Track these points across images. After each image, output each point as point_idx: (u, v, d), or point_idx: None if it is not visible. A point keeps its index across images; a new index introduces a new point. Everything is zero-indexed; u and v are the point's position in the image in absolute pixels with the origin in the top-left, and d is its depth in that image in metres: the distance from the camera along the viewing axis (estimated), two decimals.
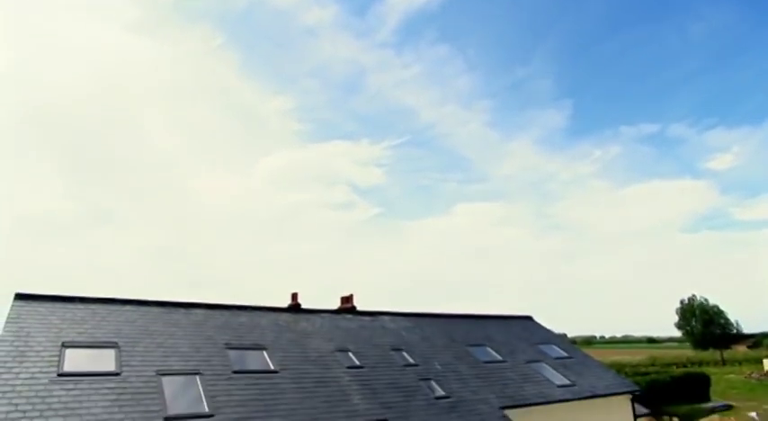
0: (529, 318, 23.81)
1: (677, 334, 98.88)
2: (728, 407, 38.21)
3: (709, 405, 37.60)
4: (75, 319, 13.06)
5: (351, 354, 15.19)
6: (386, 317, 18.99)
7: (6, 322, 12.39)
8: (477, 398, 14.69)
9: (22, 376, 10.56)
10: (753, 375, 60.19)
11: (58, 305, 13.52)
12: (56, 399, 10.16)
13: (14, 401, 9.82)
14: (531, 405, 15.39)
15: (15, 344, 11.54)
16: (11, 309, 12.93)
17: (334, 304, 19.14)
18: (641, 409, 19.76)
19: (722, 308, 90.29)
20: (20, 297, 13.44)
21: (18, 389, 10.20)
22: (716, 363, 79.75)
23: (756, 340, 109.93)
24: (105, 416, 10.02)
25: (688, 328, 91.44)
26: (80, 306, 13.75)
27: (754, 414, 33.75)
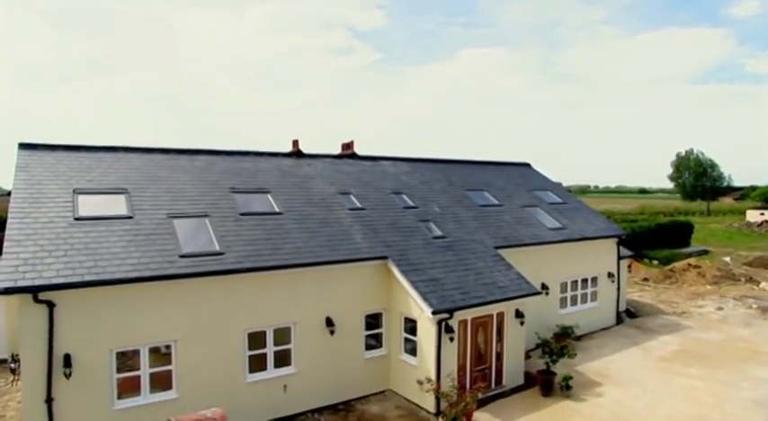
0: (527, 166, 24.26)
1: (669, 186, 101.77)
2: (705, 252, 40.83)
3: (688, 250, 40.13)
4: (83, 167, 13.33)
5: (352, 197, 15.75)
6: (386, 162, 19.30)
7: (16, 171, 12.66)
8: (473, 239, 15.61)
9: (41, 220, 11.08)
10: (733, 225, 63.28)
11: (64, 154, 13.70)
12: (76, 240, 10.79)
13: (39, 242, 10.44)
14: (523, 245, 16.40)
15: (29, 191, 11.92)
16: (18, 159, 13.12)
17: (335, 151, 19.32)
18: (625, 252, 21.06)
19: (717, 162, 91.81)
20: (24, 146, 13.56)
21: (40, 231, 10.78)
22: (702, 214, 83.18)
23: (744, 193, 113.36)
24: (124, 255, 10.72)
25: (680, 180, 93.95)
26: (86, 154, 13.95)
27: (727, 258, 36.18)
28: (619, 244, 20.22)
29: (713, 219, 76.50)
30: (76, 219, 11.36)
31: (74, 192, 12.23)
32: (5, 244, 10.19)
